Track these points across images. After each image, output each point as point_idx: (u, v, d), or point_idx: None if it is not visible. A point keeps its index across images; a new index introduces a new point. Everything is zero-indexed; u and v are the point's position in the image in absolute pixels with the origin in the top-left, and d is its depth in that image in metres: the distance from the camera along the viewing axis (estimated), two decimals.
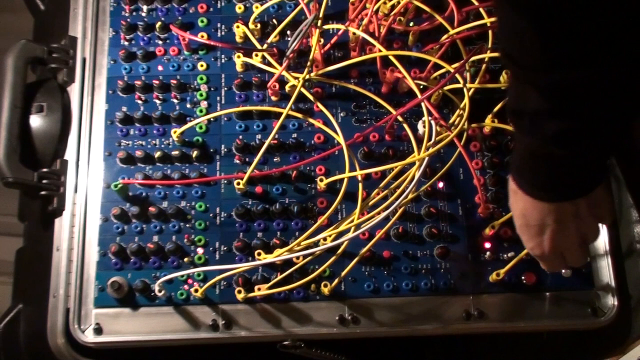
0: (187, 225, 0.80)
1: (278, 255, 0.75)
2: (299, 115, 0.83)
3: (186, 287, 0.78)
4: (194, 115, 0.84)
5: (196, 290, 0.77)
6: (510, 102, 0.57)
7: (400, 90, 0.85)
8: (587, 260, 0.70)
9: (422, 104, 0.79)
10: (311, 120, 0.83)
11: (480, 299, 0.78)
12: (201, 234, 0.80)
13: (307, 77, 0.82)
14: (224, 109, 0.84)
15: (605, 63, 0.48)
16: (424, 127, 0.79)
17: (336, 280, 0.77)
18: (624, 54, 0.48)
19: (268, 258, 0.76)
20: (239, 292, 0.77)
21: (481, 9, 0.83)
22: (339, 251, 0.77)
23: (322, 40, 0.84)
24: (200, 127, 0.83)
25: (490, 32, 0.82)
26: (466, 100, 0.79)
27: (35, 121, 0.83)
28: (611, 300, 0.78)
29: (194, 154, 0.82)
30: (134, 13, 0.89)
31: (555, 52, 0.49)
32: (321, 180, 0.80)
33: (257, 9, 0.87)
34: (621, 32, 0.46)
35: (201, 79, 0.85)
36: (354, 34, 0.83)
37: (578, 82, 0.49)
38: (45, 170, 0.81)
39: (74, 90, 0.85)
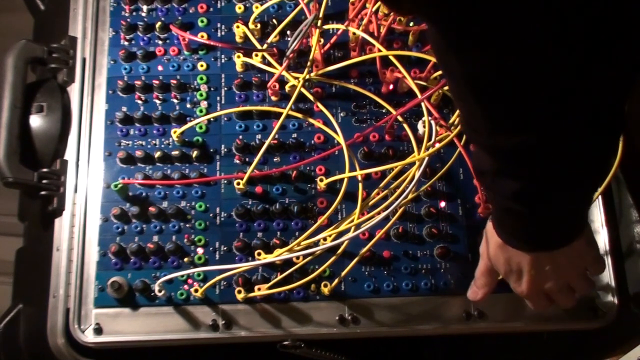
0: (187, 225, 0.80)
1: (278, 255, 0.75)
2: (299, 115, 0.83)
3: (186, 287, 0.78)
4: (194, 115, 0.84)
5: (196, 290, 0.77)
6: (473, 162, 0.62)
7: (400, 90, 0.85)
8: (574, 303, 0.71)
9: (422, 104, 0.79)
10: (311, 120, 0.83)
11: None
12: (201, 234, 0.80)
13: (307, 77, 0.82)
14: (224, 109, 0.84)
15: (538, 132, 0.50)
16: (424, 127, 0.79)
17: (336, 280, 0.77)
18: (563, 121, 0.50)
19: (268, 258, 0.76)
20: (239, 292, 0.77)
21: None
22: (339, 251, 0.77)
23: (322, 40, 0.84)
24: (200, 127, 0.83)
25: None
26: None
27: (35, 121, 0.83)
28: (611, 300, 0.78)
29: (194, 154, 0.82)
30: (134, 13, 0.89)
31: (494, 120, 0.52)
32: (321, 180, 0.80)
33: (257, 9, 0.87)
34: (557, 103, 0.49)
35: (201, 79, 0.85)
36: (354, 34, 0.83)
37: (517, 147, 0.52)
38: (45, 170, 0.81)
39: (74, 90, 0.85)
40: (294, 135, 0.83)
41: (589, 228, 0.68)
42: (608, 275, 0.79)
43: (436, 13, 0.47)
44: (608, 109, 0.51)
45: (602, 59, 0.46)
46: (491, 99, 0.50)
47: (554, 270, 0.66)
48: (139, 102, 0.85)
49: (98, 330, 0.77)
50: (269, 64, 0.85)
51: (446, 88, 0.81)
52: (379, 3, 0.83)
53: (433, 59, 0.81)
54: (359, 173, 0.78)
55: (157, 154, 0.82)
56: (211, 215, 0.81)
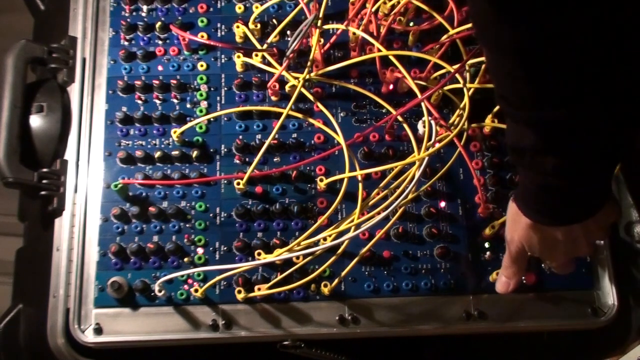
0: (187, 225, 0.80)
1: (278, 255, 0.75)
2: (299, 115, 0.83)
3: (186, 287, 0.78)
4: (194, 115, 0.84)
5: (196, 290, 0.77)
6: (508, 140, 0.60)
7: (400, 90, 0.85)
8: (592, 251, 0.71)
9: (422, 104, 0.79)
10: (311, 120, 0.83)
11: (480, 299, 0.78)
12: (201, 234, 0.80)
13: (307, 77, 0.82)
14: (224, 109, 0.84)
15: (589, 102, 0.51)
16: (424, 127, 0.79)
17: (336, 280, 0.77)
18: (607, 94, 0.50)
19: (268, 258, 0.76)
20: (239, 292, 0.77)
21: None
22: (339, 251, 0.77)
23: (322, 40, 0.84)
24: (200, 127, 0.83)
25: None
26: (466, 100, 0.79)
27: (35, 121, 0.83)
28: (611, 300, 0.78)
29: (194, 154, 0.82)
30: (134, 13, 0.89)
31: (543, 92, 0.52)
32: (321, 180, 0.80)
33: (257, 9, 0.87)
34: (603, 73, 0.49)
35: (201, 79, 0.85)
36: (353, 34, 0.83)
37: (566, 119, 0.52)
38: (45, 170, 0.81)
39: (74, 90, 0.85)
40: (294, 135, 0.83)
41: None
42: (608, 276, 0.79)
43: None
44: None
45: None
46: (541, 70, 0.50)
47: (585, 235, 0.66)
48: (139, 102, 0.85)
49: (98, 330, 0.77)
50: (269, 64, 0.85)
51: (446, 88, 0.81)
52: (378, 3, 0.83)
53: (433, 59, 0.81)
54: (359, 173, 0.78)
55: (157, 154, 0.82)
56: (211, 215, 0.81)
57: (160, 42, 0.87)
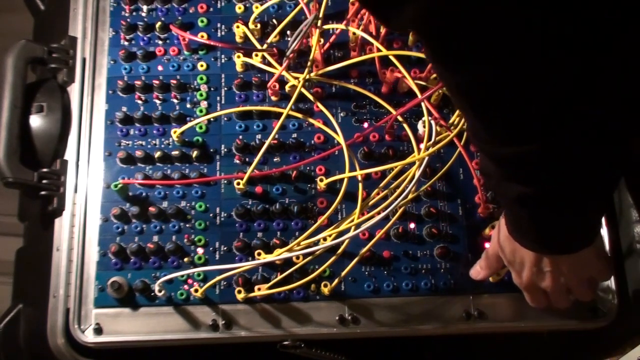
0: (187, 225, 0.80)
1: (278, 255, 0.75)
2: (299, 115, 0.83)
3: (186, 287, 0.78)
4: (194, 115, 0.84)
5: (196, 290, 0.77)
6: (479, 165, 0.63)
7: (400, 90, 0.85)
8: (568, 305, 0.72)
9: (422, 104, 0.79)
10: (311, 120, 0.83)
11: (480, 299, 0.78)
12: (201, 234, 0.80)
13: (307, 77, 0.82)
14: (224, 109, 0.84)
15: (542, 138, 0.50)
16: (424, 127, 0.79)
17: (336, 280, 0.77)
18: (563, 129, 0.50)
19: (268, 258, 0.76)
20: (239, 292, 0.77)
21: None
22: (339, 251, 0.77)
23: (322, 40, 0.84)
24: (200, 127, 0.83)
25: None
26: None
27: (35, 121, 0.83)
28: (611, 300, 0.78)
29: (194, 154, 0.82)
30: (134, 13, 0.89)
31: (495, 130, 0.52)
32: (321, 180, 0.80)
33: (257, 9, 0.87)
34: (555, 112, 0.49)
35: (201, 79, 0.85)
36: (353, 33, 0.83)
37: (521, 155, 0.52)
38: (45, 170, 0.81)
39: (74, 90, 0.85)
40: (294, 135, 0.83)
41: (601, 241, 0.68)
42: None
43: (421, 29, 0.48)
44: (612, 116, 0.50)
45: (600, 65, 0.46)
46: (487, 111, 0.51)
47: (554, 272, 0.66)
48: (139, 102, 0.85)
49: (98, 330, 0.77)
50: (269, 64, 0.85)
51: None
52: None
53: None
54: (359, 173, 0.78)
55: (157, 154, 0.82)
56: (211, 215, 0.81)
57: (160, 42, 0.87)
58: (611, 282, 0.79)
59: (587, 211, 0.60)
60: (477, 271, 0.77)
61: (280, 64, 0.83)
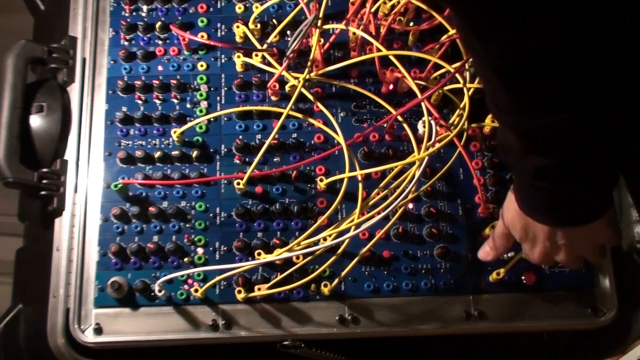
0: (187, 225, 0.80)
1: (278, 255, 0.75)
2: (299, 115, 0.83)
3: (186, 287, 0.78)
4: (194, 115, 0.84)
5: (196, 290, 0.77)
6: (498, 139, 0.61)
7: (400, 90, 0.85)
8: (581, 266, 0.72)
9: (422, 104, 0.79)
10: (311, 120, 0.83)
11: (480, 299, 0.78)
12: (201, 234, 0.80)
13: (307, 77, 0.82)
14: (224, 109, 0.84)
15: (567, 111, 0.50)
16: (424, 127, 0.79)
17: (336, 280, 0.77)
18: (590, 103, 0.50)
19: (268, 258, 0.76)
20: (239, 292, 0.77)
21: None
22: (339, 251, 0.77)
23: (322, 40, 0.84)
24: (200, 127, 0.83)
25: None
26: (466, 100, 0.79)
27: (35, 121, 0.83)
28: (611, 300, 0.78)
29: (194, 154, 0.82)
30: (134, 13, 0.89)
31: (522, 102, 0.52)
32: (321, 180, 0.80)
33: (257, 9, 0.87)
34: (583, 86, 0.49)
35: (201, 79, 0.85)
36: (353, 33, 0.83)
37: (546, 127, 0.52)
38: (45, 170, 0.81)
39: (74, 90, 0.85)
40: (294, 135, 0.83)
41: (613, 209, 0.67)
42: (608, 275, 0.79)
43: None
44: (636, 91, 0.50)
45: (628, 42, 0.46)
46: (516, 83, 0.50)
47: (568, 244, 0.66)
48: (139, 102, 0.85)
49: (98, 330, 0.77)
50: (269, 64, 0.85)
51: (446, 88, 0.81)
52: (378, 3, 0.83)
53: (433, 59, 0.81)
54: (359, 173, 0.78)
55: (157, 154, 0.82)
56: (211, 215, 0.81)
57: (160, 42, 0.87)
58: (611, 282, 0.79)
59: (605, 182, 0.60)
60: (487, 252, 0.76)
61: (280, 64, 0.83)
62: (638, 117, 0.53)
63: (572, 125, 0.51)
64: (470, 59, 0.79)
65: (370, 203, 0.78)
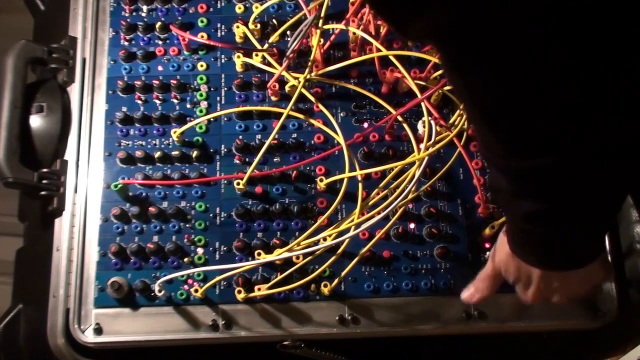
0: (187, 225, 0.80)
1: (278, 255, 0.75)
2: (299, 116, 0.83)
3: (186, 287, 0.78)
4: (194, 115, 0.84)
5: (196, 290, 0.77)
6: (489, 180, 0.61)
7: (400, 90, 0.85)
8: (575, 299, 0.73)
9: (422, 104, 0.79)
10: (311, 121, 0.83)
11: None
12: (201, 234, 0.80)
13: (307, 77, 0.82)
14: (224, 109, 0.84)
15: (556, 153, 0.49)
16: (424, 127, 0.79)
17: (336, 280, 0.77)
18: (579, 144, 0.49)
19: (268, 258, 0.76)
20: (239, 292, 0.77)
21: None
22: (339, 251, 0.77)
23: (322, 40, 0.84)
24: (200, 127, 0.83)
25: None
26: None
27: (35, 121, 0.83)
28: (611, 300, 0.78)
29: (194, 154, 0.82)
30: (134, 13, 0.89)
31: (509, 143, 0.51)
32: (321, 180, 0.80)
33: (257, 9, 0.87)
34: (571, 125, 0.47)
35: (201, 79, 0.86)
36: (353, 33, 0.83)
37: (535, 170, 0.51)
38: (45, 170, 0.81)
39: (74, 90, 0.85)
40: (294, 135, 0.83)
41: (605, 251, 0.67)
42: None
43: (436, 41, 0.47)
44: (627, 132, 0.49)
45: (617, 80, 0.45)
46: (500, 124, 0.50)
47: (563, 286, 0.66)
48: (139, 102, 0.85)
49: (98, 330, 0.77)
50: (269, 64, 0.85)
51: (446, 88, 0.81)
52: None
53: (433, 59, 0.81)
54: (359, 173, 0.78)
55: (157, 154, 0.82)
56: (211, 215, 0.81)
57: (160, 42, 0.88)
58: (611, 282, 0.78)
59: (598, 227, 0.59)
60: (471, 294, 0.74)
61: (280, 64, 0.83)
62: (627, 160, 0.52)
63: (558, 169, 0.50)
64: None
65: (370, 203, 0.78)
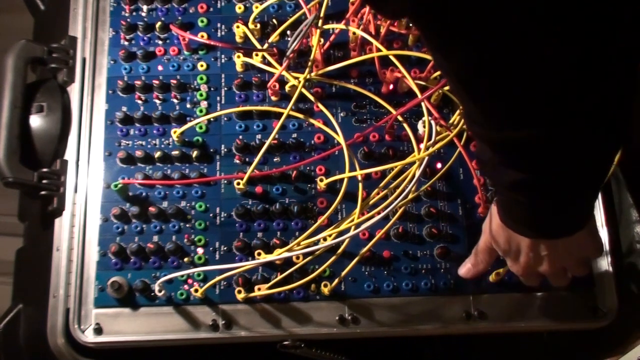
0: (187, 225, 0.80)
1: (278, 255, 0.75)
2: (299, 115, 0.83)
3: (186, 287, 0.78)
4: (194, 115, 0.84)
5: (196, 290, 0.77)
6: (476, 152, 0.63)
7: (400, 90, 0.85)
8: (567, 283, 0.73)
9: (422, 104, 0.79)
10: (311, 120, 0.83)
11: (480, 299, 0.78)
12: (201, 234, 0.80)
13: (307, 77, 0.82)
14: (224, 109, 0.84)
15: (538, 124, 0.50)
16: (424, 127, 0.79)
17: (336, 280, 0.77)
18: (561, 116, 0.49)
19: (268, 258, 0.76)
20: (239, 292, 0.77)
21: None
22: (339, 251, 0.77)
23: (322, 40, 0.84)
24: (200, 127, 0.83)
25: None
26: None
27: (35, 121, 0.83)
28: (611, 300, 0.78)
29: (194, 154, 0.82)
30: (134, 13, 0.89)
31: (491, 116, 0.51)
32: (321, 180, 0.80)
33: (257, 9, 0.87)
34: (552, 98, 0.48)
35: (201, 79, 0.85)
36: (353, 33, 0.83)
37: (517, 141, 0.52)
38: (45, 170, 0.81)
39: (74, 90, 0.85)
40: (294, 135, 0.83)
41: (593, 220, 0.67)
42: (608, 276, 0.79)
43: (414, 13, 0.47)
44: (610, 103, 0.50)
45: (600, 52, 0.45)
46: (482, 96, 0.50)
47: (551, 255, 0.66)
48: (139, 102, 0.85)
49: (98, 330, 0.77)
50: (269, 64, 0.85)
51: (446, 88, 0.81)
52: None
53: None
54: (359, 173, 0.78)
55: (157, 154, 0.82)
56: (211, 215, 0.81)
57: (160, 42, 0.87)
58: (611, 282, 0.79)
59: (583, 196, 0.60)
60: (468, 269, 0.76)
61: (280, 64, 0.83)
62: (611, 131, 0.52)
63: (542, 140, 0.51)
64: None
65: (370, 203, 0.78)
